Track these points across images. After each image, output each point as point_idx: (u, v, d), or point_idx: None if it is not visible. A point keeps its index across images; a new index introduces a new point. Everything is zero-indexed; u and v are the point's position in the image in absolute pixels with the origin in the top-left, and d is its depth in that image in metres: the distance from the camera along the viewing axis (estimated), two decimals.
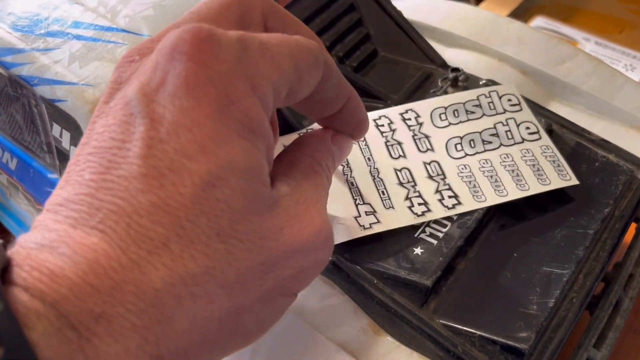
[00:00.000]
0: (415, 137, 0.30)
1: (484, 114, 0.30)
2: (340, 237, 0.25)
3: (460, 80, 0.33)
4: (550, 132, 0.31)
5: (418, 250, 0.26)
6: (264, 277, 0.16)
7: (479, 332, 0.24)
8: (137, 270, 0.14)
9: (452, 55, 0.36)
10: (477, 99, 0.31)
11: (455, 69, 0.33)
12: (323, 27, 0.33)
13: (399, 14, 0.36)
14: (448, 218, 0.27)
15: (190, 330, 0.14)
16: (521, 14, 0.59)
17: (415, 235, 0.26)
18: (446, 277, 0.26)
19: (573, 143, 0.31)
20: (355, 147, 0.29)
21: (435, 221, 0.27)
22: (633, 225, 0.32)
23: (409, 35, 0.35)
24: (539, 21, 0.58)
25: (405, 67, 0.34)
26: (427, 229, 0.26)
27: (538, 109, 0.33)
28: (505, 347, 0.23)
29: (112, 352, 0.13)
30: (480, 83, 0.33)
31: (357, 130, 0.22)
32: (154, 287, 0.14)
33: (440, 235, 0.26)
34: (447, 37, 0.37)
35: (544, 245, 0.27)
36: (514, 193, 0.27)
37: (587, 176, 0.29)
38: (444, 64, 0.35)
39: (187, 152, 0.14)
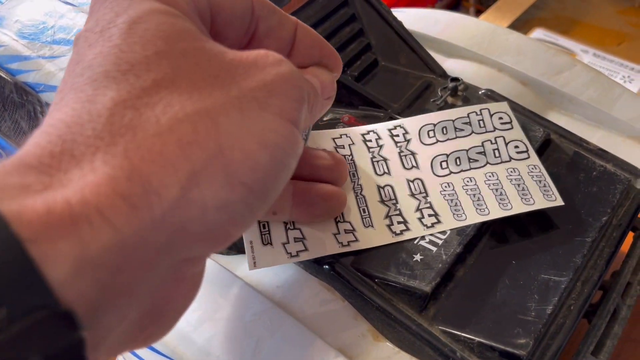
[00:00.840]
0: (402, 154, 0.30)
1: (472, 132, 0.30)
2: (317, 252, 0.25)
3: (460, 90, 0.33)
4: (548, 142, 0.31)
5: (417, 257, 0.26)
6: (225, 86, 0.16)
7: (477, 339, 0.24)
8: (87, 103, 0.15)
9: (451, 65, 0.37)
10: (468, 116, 0.30)
11: (455, 79, 0.33)
12: (325, 37, 0.33)
13: (400, 24, 0.36)
14: None
15: (159, 132, 0.15)
16: (521, 26, 0.60)
17: (415, 242, 0.27)
18: (445, 284, 0.26)
19: (571, 152, 0.31)
20: None
21: (440, 231, 0.27)
22: (630, 234, 0.32)
23: (409, 45, 0.36)
24: (538, 33, 0.59)
25: (405, 76, 0.35)
26: (427, 236, 0.27)
27: (537, 119, 0.33)
28: (503, 354, 0.24)
29: (77, 177, 0.14)
30: (480, 92, 0.33)
31: (325, 57, 0.23)
32: (105, 107, 0.15)
33: (440, 242, 0.26)
34: (447, 48, 0.38)
35: (542, 252, 0.27)
36: (495, 212, 0.27)
37: (585, 185, 0.29)
38: (443, 74, 0.35)
39: None
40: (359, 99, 0.33)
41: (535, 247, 0.27)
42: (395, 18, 0.36)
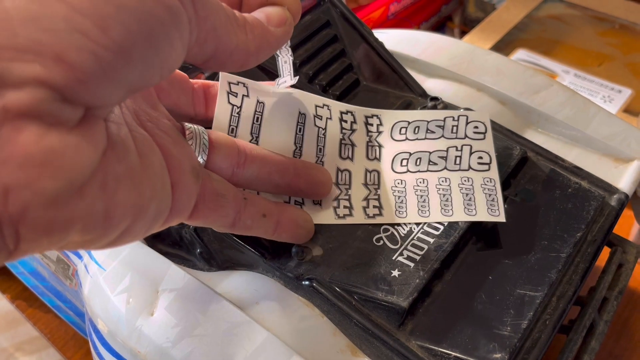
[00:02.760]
0: (369, 144, 0.30)
1: (442, 136, 0.30)
2: None
3: (439, 109, 0.34)
4: (525, 159, 0.32)
5: (395, 273, 0.26)
6: None
7: (454, 353, 0.24)
8: None
9: (432, 85, 0.37)
10: (444, 120, 0.31)
11: (434, 98, 0.34)
12: (307, 57, 0.34)
13: (381, 45, 0.37)
14: (425, 241, 0.27)
15: None
16: (504, 46, 0.61)
17: (393, 258, 0.27)
18: (423, 299, 0.26)
19: (547, 170, 0.32)
20: (314, 134, 0.29)
21: (413, 244, 0.27)
22: (607, 250, 0.33)
23: (390, 66, 0.37)
24: (520, 54, 0.60)
25: (386, 95, 0.35)
26: (405, 252, 0.27)
27: (514, 137, 0.34)
28: None
29: None
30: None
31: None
32: None
33: (418, 258, 0.27)
34: (428, 68, 0.39)
35: (518, 268, 0.27)
36: (435, 216, 0.28)
37: (560, 202, 0.30)
38: (423, 93, 0.36)
39: None
40: None
41: (512, 263, 0.28)
42: (376, 39, 0.37)
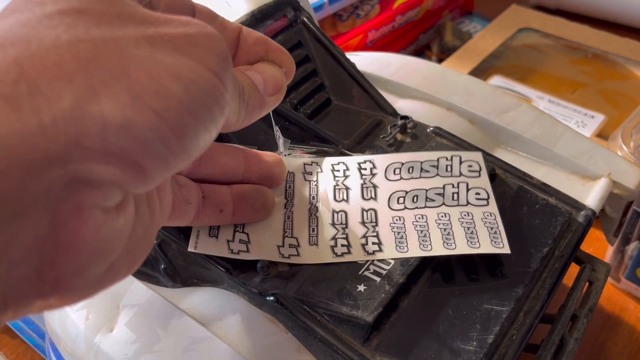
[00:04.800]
0: (364, 186, 0.30)
1: (437, 174, 0.31)
2: (257, 255, 0.26)
3: (409, 127, 0.34)
4: (493, 177, 0.32)
5: (361, 288, 0.26)
6: (141, 25, 0.16)
7: None
8: None
9: (403, 105, 0.38)
10: (437, 160, 0.31)
11: (405, 117, 0.35)
12: None
13: (352, 65, 0.37)
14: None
15: (56, 45, 0.14)
16: (480, 73, 0.62)
17: (360, 273, 0.27)
18: (389, 314, 0.26)
19: (515, 187, 0.32)
20: (305, 186, 0.30)
21: (380, 259, 0.27)
22: (576, 268, 0.33)
23: (361, 86, 0.37)
24: (496, 80, 0.61)
25: (357, 115, 0.35)
26: (371, 267, 0.27)
27: (484, 155, 0.34)
28: None
29: None
30: (428, 130, 0.34)
31: (271, 52, 0.23)
32: (1, 29, 0.14)
33: (384, 272, 0.27)
34: (399, 89, 0.39)
35: (485, 283, 0.27)
36: (438, 250, 0.27)
37: (527, 217, 0.30)
38: (394, 112, 0.36)
39: None
40: (311, 136, 0.34)
41: (478, 278, 0.27)
42: (347, 59, 0.37)
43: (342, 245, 0.28)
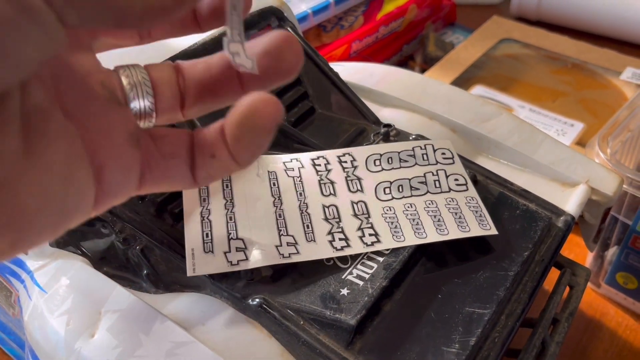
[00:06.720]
0: (348, 179, 0.31)
1: (416, 163, 0.32)
2: (258, 262, 0.26)
3: (392, 135, 0.35)
4: (475, 183, 0.32)
5: (345, 291, 0.26)
6: None
7: None
8: None
9: (386, 114, 0.38)
10: (412, 149, 0.33)
11: (387, 125, 0.35)
12: None
13: (336, 74, 0.38)
14: (374, 260, 0.27)
15: None
16: (462, 83, 0.63)
17: (343, 277, 0.27)
18: (372, 318, 0.26)
19: (497, 193, 0.32)
20: (290, 182, 0.30)
21: (362, 263, 0.27)
22: (557, 272, 0.33)
23: (345, 95, 0.37)
24: (478, 89, 0.62)
25: (340, 123, 0.36)
26: (355, 271, 0.27)
27: (466, 163, 0.34)
28: None
29: None
30: (411, 138, 0.35)
31: None
32: None
33: (367, 276, 0.27)
34: (382, 98, 0.39)
35: (467, 286, 0.27)
36: (432, 236, 0.28)
37: (508, 222, 0.31)
38: (377, 121, 0.36)
39: None
40: (295, 143, 0.34)
41: (461, 281, 0.28)
42: (331, 69, 0.38)
43: (340, 239, 0.28)
